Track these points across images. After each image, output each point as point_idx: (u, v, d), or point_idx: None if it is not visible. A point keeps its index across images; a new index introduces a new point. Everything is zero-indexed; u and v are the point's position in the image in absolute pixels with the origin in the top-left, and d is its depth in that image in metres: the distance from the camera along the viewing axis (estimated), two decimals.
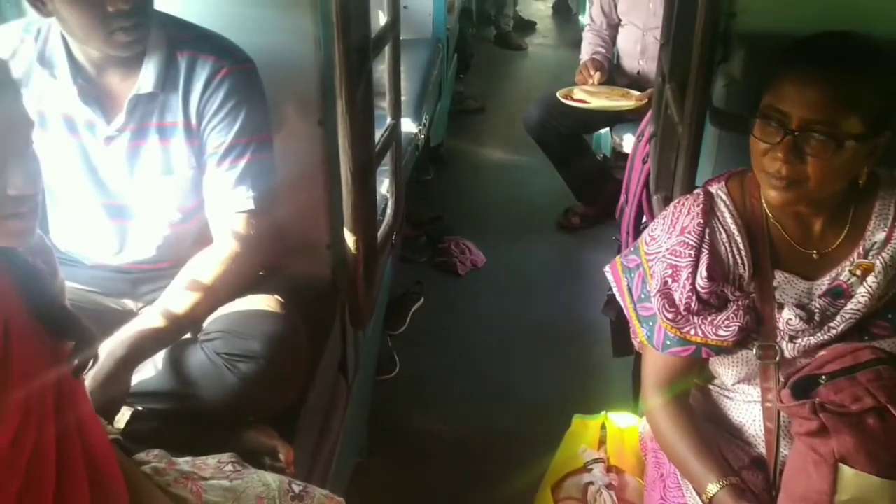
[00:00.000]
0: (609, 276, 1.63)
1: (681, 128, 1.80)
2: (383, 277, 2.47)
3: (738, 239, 1.43)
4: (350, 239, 1.91)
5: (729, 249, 1.43)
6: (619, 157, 3.83)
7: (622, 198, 2.72)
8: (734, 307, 1.41)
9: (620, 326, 2.37)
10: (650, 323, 1.51)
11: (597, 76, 3.54)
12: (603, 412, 1.92)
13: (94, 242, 1.67)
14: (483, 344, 3.11)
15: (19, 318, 1.06)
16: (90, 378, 1.35)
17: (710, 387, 1.56)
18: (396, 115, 2.30)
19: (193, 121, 1.58)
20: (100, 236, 1.66)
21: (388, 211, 2.43)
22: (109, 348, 1.41)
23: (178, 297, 1.54)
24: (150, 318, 1.51)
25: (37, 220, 1.04)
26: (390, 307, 3.02)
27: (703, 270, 1.41)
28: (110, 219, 1.64)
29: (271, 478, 1.39)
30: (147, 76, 1.54)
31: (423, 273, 3.51)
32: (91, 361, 1.16)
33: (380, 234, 2.18)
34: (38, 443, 1.05)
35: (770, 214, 1.43)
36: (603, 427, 1.90)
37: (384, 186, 2.51)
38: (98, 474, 1.14)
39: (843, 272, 1.39)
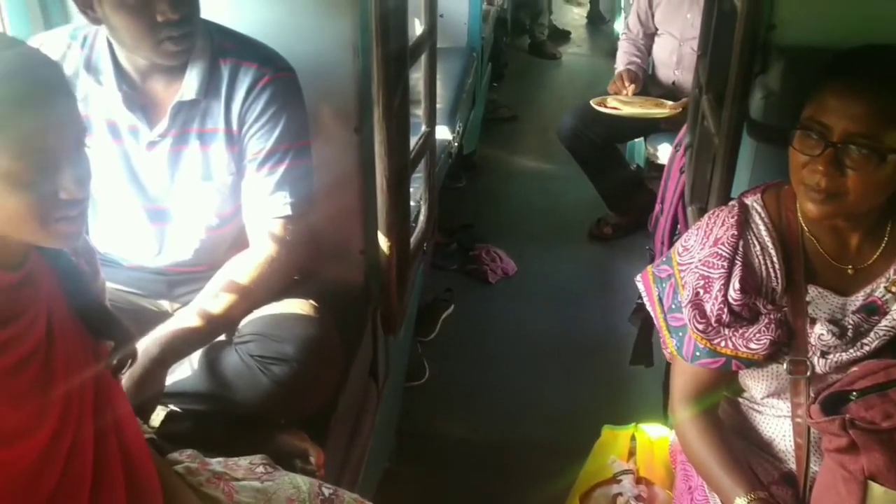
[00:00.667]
0: (640, 286, 1.63)
1: (717, 139, 1.80)
2: (415, 284, 2.48)
3: (773, 252, 1.42)
4: (384, 244, 1.93)
5: (762, 262, 1.42)
6: (653, 167, 3.82)
7: (657, 208, 2.71)
8: (766, 320, 1.40)
9: (642, 335, 2.37)
10: (680, 333, 1.51)
11: (631, 88, 3.53)
12: (633, 423, 1.92)
13: (134, 244, 1.70)
14: (513, 352, 3.11)
15: (62, 316, 1.09)
16: (126, 377, 1.37)
17: (740, 400, 1.55)
18: (431, 123, 2.32)
19: (234, 127, 1.61)
20: (139, 239, 1.69)
21: (421, 218, 2.44)
22: (144, 347, 1.43)
23: (213, 299, 1.57)
24: (185, 318, 1.53)
25: (84, 223, 1.07)
26: (420, 314, 3.03)
27: (735, 282, 1.40)
28: (150, 222, 1.67)
29: (302, 480, 1.40)
30: (190, 83, 1.57)
31: (454, 280, 3.52)
32: (129, 361, 1.18)
33: (412, 240, 2.20)
34: (77, 439, 1.08)
35: (806, 228, 1.43)
36: (633, 438, 1.90)
37: (417, 193, 2.53)
38: (133, 472, 1.17)
39: (878, 288, 1.38)
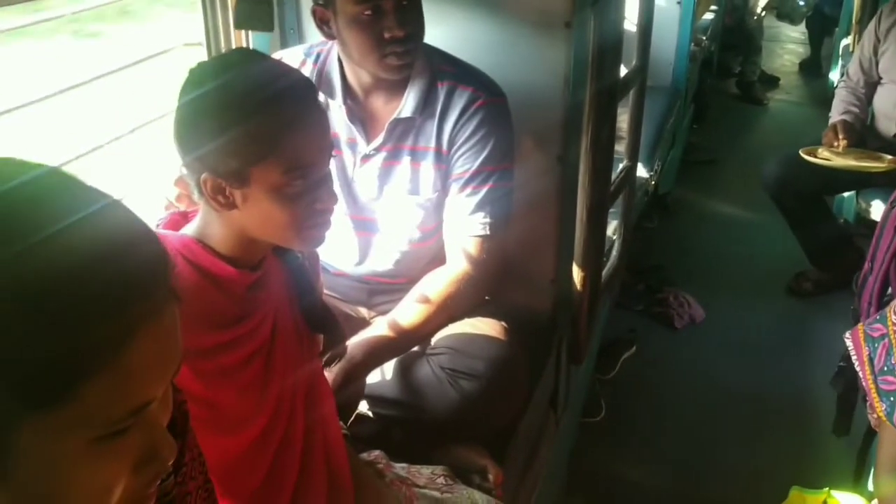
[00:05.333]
0: (849, 343, 1.54)
1: None
2: (601, 319, 2.46)
3: None
4: (577, 274, 1.93)
5: None
6: (863, 223, 3.60)
7: (866, 266, 2.53)
8: None
9: (847, 402, 2.21)
10: (892, 398, 1.41)
11: (843, 143, 3.31)
12: (826, 488, 1.80)
13: (340, 252, 1.79)
14: (694, 401, 3.00)
15: (285, 315, 1.17)
16: (331, 376, 1.45)
17: None
18: (633, 158, 2.30)
19: (444, 146, 1.67)
20: (345, 247, 1.78)
21: (614, 253, 2.43)
22: (350, 350, 1.50)
23: (410, 311, 1.64)
24: (385, 327, 1.61)
25: (328, 229, 1.14)
26: (601, 351, 3.00)
27: None
28: (356, 231, 1.76)
29: (479, 497, 1.43)
30: (409, 102, 1.65)
31: (638, 321, 3.44)
32: (338, 357, 1.25)
33: (604, 273, 2.19)
34: (287, 434, 1.16)
35: None
36: None
37: (610, 228, 2.51)
38: (332, 467, 1.23)
39: None
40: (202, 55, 1.85)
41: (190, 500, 0.82)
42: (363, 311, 1.84)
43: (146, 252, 0.59)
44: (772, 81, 6.88)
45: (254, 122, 1.02)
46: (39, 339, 0.53)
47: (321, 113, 1.09)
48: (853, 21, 4.84)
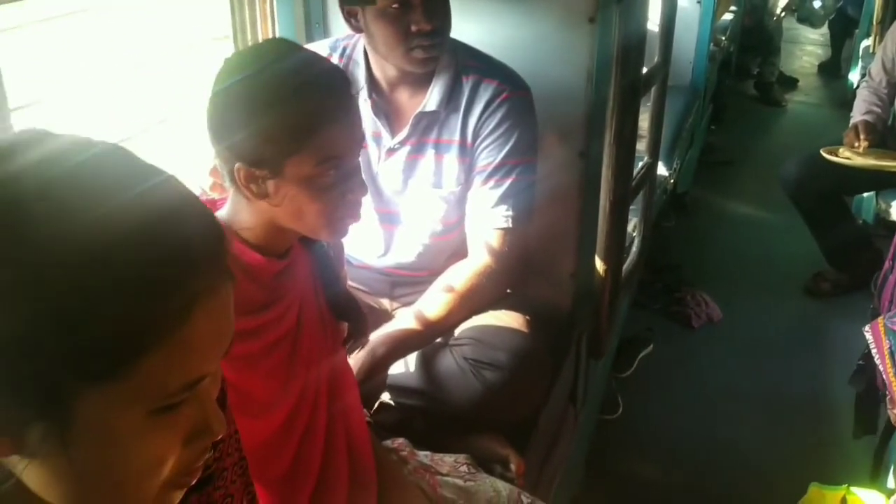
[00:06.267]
0: (868, 337, 1.54)
1: None
2: (620, 315, 2.47)
3: None
4: (599, 268, 1.93)
5: None
6: (883, 224, 3.59)
7: (886, 265, 2.53)
8: None
9: (867, 402, 2.21)
10: None
11: (864, 144, 3.30)
12: (845, 485, 1.81)
13: (364, 244, 1.80)
14: (712, 401, 3.00)
15: (310, 301, 1.18)
16: (353, 368, 1.46)
17: None
18: (654, 155, 2.31)
19: (469, 139, 1.68)
20: (369, 239, 1.79)
21: (634, 249, 2.43)
22: (372, 345, 1.53)
23: (432, 304, 1.65)
24: (407, 321, 1.63)
25: (357, 220, 1.16)
26: (619, 349, 3.00)
27: None
28: (381, 224, 1.77)
29: (502, 486, 1.44)
30: (434, 96, 1.67)
31: (655, 320, 3.44)
32: (359, 348, 1.27)
33: (625, 268, 2.20)
34: (311, 423, 1.17)
35: None
36: (843, 500, 1.78)
37: (630, 225, 2.52)
38: (355, 455, 1.25)
39: None
40: (229, 49, 1.87)
41: (227, 475, 0.84)
42: (385, 303, 1.85)
43: (206, 228, 0.60)
44: (790, 83, 6.85)
45: (290, 115, 1.02)
46: (105, 313, 0.54)
47: (354, 103, 1.11)
48: (874, 22, 4.82)
